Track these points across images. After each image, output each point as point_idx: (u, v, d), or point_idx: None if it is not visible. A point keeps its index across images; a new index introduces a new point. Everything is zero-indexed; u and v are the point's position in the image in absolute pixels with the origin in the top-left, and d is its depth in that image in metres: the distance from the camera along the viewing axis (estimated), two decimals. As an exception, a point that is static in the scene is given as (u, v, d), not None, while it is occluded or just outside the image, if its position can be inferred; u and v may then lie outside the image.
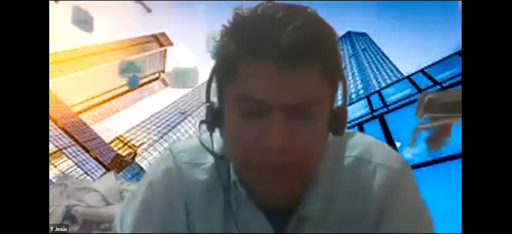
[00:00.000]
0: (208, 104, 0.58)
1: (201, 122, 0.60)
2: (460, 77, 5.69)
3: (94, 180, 4.65)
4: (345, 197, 0.61)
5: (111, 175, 3.78)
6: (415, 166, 3.81)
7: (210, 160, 0.64)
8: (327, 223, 0.61)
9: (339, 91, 0.59)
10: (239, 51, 0.51)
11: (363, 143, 0.63)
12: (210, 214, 0.63)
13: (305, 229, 0.61)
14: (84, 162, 42.54)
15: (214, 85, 0.58)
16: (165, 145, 54.33)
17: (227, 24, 0.53)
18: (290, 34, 0.47)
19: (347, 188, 0.61)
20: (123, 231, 0.63)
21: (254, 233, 0.61)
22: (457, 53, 7.34)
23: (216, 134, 0.60)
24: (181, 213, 0.62)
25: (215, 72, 0.57)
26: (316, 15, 0.53)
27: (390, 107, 6.60)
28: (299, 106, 0.50)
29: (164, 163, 0.66)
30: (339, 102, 0.59)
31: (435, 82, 6.77)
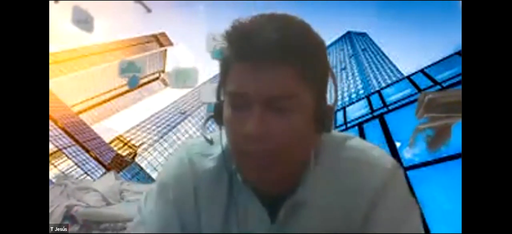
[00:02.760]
0: (217, 102, 0.66)
1: (209, 117, 0.71)
2: (460, 77, 5.69)
3: (94, 180, 4.65)
4: (337, 191, 0.66)
5: (111, 175, 3.78)
6: (415, 166, 3.82)
7: (217, 151, 0.72)
8: (317, 213, 0.66)
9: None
10: (231, 54, 0.59)
11: (358, 145, 0.69)
12: (215, 198, 0.71)
13: (296, 216, 0.67)
14: (84, 162, 42.55)
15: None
16: (165, 144, 54.36)
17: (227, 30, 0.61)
18: (263, 37, 0.55)
19: (340, 185, 0.66)
20: (145, 212, 0.72)
21: (250, 216, 0.69)
22: (457, 53, 7.33)
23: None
24: (191, 197, 0.71)
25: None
26: (297, 21, 0.59)
27: (390, 107, 6.60)
28: (274, 100, 0.57)
29: (178, 153, 0.76)
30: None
31: (435, 82, 6.77)
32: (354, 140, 0.70)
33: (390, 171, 0.66)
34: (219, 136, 0.69)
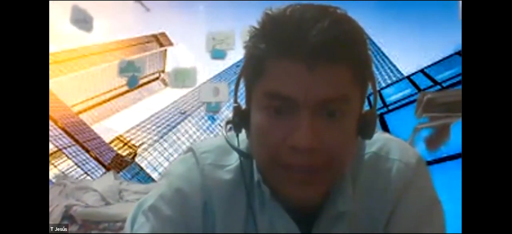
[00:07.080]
0: (235, 105, 0.59)
1: (228, 122, 0.61)
2: (460, 77, 5.69)
3: (94, 180, 4.65)
4: (364, 192, 0.61)
5: (110, 174, 3.78)
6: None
7: (233, 161, 0.64)
8: (352, 221, 0.61)
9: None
10: (268, 49, 0.51)
11: (380, 139, 0.64)
12: (232, 214, 0.62)
13: (332, 228, 0.60)
14: (84, 162, 42.54)
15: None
16: (165, 145, 54.30)
17: (256, 25, 0.54)
18: (319, 32, 0.48)
19: (366, 184, 0.62)
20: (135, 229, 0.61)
21: (278, 232, 0.60)
22: (457, 53, 7.33)
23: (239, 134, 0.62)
24: (197, 214, 0.61)
25: (243, 72, 0.58)
26: (346, 15, 0.53)
27: (390, 107, 6.59)
28: (327, 103, 0.50)
29: (186, 162, 0.65)
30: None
31: (435, 82, 6.77)
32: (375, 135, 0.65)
33: (413, 168, 0.62)
34: (237, 143, 0.61)
